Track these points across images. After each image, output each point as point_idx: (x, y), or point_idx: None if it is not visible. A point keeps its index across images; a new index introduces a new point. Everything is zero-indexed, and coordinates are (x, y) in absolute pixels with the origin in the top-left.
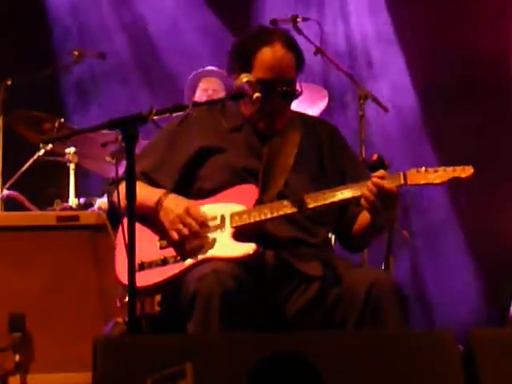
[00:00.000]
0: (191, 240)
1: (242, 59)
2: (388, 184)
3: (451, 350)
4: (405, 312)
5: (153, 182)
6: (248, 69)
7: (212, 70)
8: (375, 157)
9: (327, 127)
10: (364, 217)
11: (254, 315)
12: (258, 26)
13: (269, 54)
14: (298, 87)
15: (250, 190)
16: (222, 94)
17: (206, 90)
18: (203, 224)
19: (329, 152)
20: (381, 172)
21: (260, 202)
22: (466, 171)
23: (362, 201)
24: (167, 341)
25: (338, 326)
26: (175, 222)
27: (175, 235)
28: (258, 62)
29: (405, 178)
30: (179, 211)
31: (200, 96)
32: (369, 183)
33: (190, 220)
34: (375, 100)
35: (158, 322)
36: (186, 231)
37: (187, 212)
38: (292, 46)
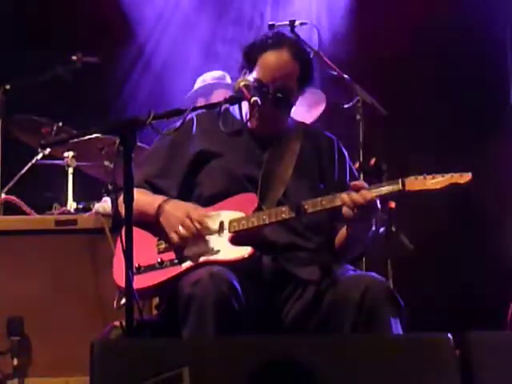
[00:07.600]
0: (190, 243)
1: (248, 59)
2: (361, 196)
3: (449, 353)
4: (400, 318)
5: (157, 189)
6: (251, 68)
7: (218, 83)
8: (373, 161)
9: (328, 138)
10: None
11: (251, 320)
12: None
13: (272, 58)
14: (294, 99)
15: (250, 199)
16: None
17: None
18: (202, 226)
19: (329, 163)
20: (360, 182)
21: (259, 209)
22: (464, 177)
23: (343, 210)
24: (164, 345)
25: (335, 330)
26: (175, 224)
27: (175, 237)
28: (261, 63)
29: (403, 185)
30: (179, 214)
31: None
32: (343, 195)
33: (188, 222)
34: (373, 104)
35: (156, 325)
36: (185, 233)
37: (187, 215)
38: (300, 56)
